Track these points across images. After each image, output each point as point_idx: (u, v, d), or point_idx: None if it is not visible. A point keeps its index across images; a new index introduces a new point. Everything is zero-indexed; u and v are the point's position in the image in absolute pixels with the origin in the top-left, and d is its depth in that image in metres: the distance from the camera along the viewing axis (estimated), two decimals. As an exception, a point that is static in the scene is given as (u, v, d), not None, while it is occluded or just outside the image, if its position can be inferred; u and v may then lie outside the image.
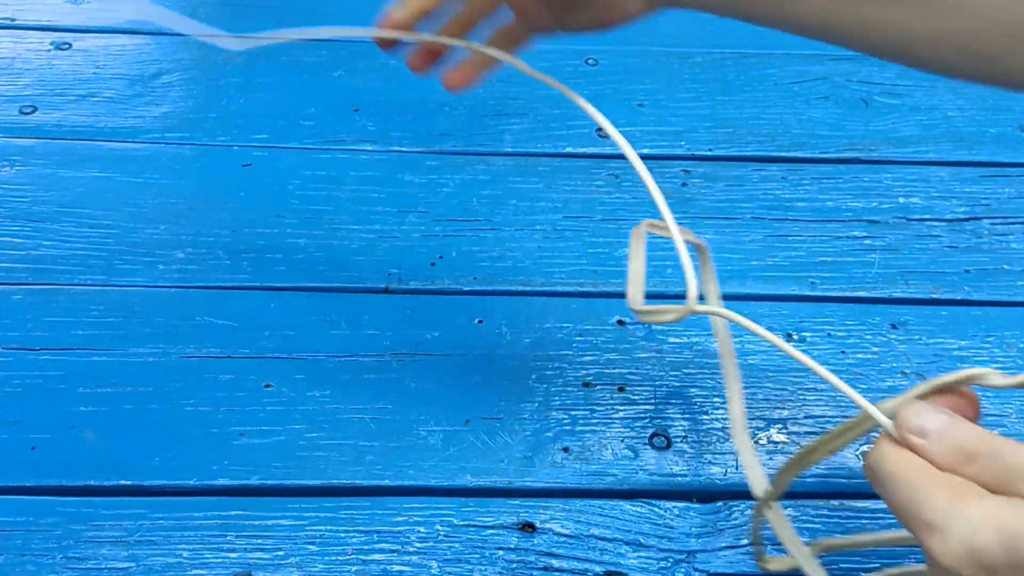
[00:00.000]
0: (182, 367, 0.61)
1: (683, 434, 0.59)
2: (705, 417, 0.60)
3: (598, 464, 0.57)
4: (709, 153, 0.80)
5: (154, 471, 0.55)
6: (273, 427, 0.58)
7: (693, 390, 0.62)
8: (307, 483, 0.55)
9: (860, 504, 0.56)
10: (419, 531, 0.53)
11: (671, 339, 0.65)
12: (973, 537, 0.30)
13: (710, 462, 0.58)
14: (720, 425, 0.60)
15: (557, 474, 0.57)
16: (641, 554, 0.53)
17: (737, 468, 0.58)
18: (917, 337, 0.66)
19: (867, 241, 0.73)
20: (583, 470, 0.57)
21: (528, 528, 0.54)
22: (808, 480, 0.57)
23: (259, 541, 0.52)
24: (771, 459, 0.58)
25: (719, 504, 0.56)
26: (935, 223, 0.75)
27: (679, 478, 0.57)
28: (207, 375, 0.61)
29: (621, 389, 0.62)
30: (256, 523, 0.53)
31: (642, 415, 0.60)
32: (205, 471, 0.56)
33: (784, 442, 0.59)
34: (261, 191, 0.74)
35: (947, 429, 0.33)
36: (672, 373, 0.63)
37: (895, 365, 0.64)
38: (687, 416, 0.60)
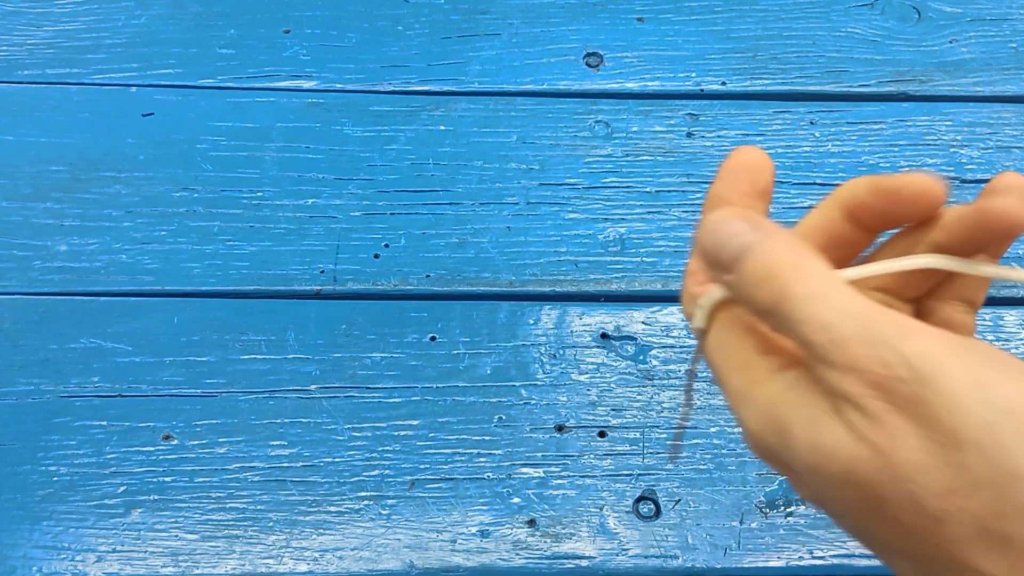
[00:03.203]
0: (60, 411, 0.50)
1: (676, 497, 0.49)
2: (704, 469, 0.49)
3: (570, 543, 0.47)
4: (722, 88, 0.65)
5: None
6: (176, 497, 0.47)
7: (691, 432, 0.51)
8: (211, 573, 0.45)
9: None
10: (348, 644, 0.44)
11: (667, 366, 0.53)
12: (759, 428, 0.24)
13: (710, 535, 0.47)
14: (727, 478, 0.49)
15: (518, 556, 0.46)
16: (618, 672, 0.44)
17: (740, 546, 0.47)
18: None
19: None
20: (551, 552, 0.47)
21: (482, 636, 0.44)
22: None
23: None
24: (782, 534, 0.48)
25: (716, 599, 0.46)
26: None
27: (669, 559, 0.47)
28: (92, 423, 0.49)
29: (602, 434, 0.50)
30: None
31: (626, 471, 0.49)
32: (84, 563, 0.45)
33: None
34: (165, 152, 0.59)
35: (746, 257, 0.24)
36: (665, 409, 0.51)
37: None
38: (682, 472, 0.49)
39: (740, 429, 0.26)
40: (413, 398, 0.51)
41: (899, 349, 0.21)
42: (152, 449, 0.49)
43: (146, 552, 0.46)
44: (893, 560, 0.23)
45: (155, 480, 0.48)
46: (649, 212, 0.59)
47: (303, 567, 0.46)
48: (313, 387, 0.51)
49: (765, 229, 0.24)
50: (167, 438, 0.49)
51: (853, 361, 0.21)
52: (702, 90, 0.65)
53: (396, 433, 0.50)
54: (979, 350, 0.21)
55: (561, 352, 0.53)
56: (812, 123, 0.63)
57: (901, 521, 0.21)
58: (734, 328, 0.26)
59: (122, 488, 0.47)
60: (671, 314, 0.54)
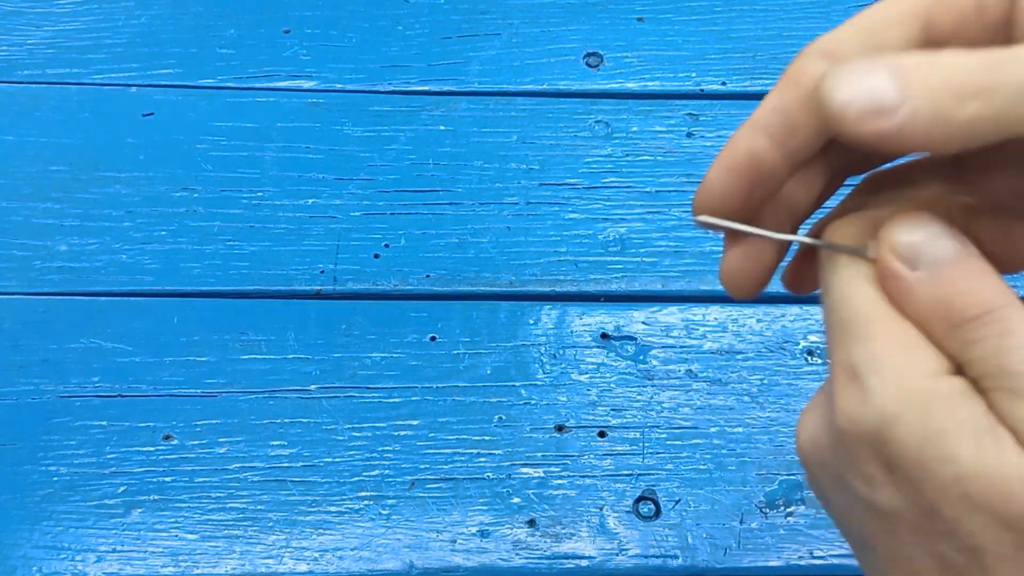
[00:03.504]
0: (61, 411, 0.50)
1: (676, 497, 0.49)
2: (704, 469, 0.49)
3: (570, 543, 0.47)
4: (722, 88, 0.65)
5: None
6: (176, 497, 0.47)
7: (691, 432, 0.51)
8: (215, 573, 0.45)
9: None
10: (348, 644, 0.44)
11: (667, 366, 0.53)
12: (899, 416, 0.21)
13: (709, 535, 0.47)
14: (727, 479, 0.49)
15: (518, 556, 0.46)
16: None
17: (740, 546, 0.47)
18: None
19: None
20: (551, 552, 0.47)
21: (482, 636, 0.44)
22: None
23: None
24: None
25: (716, 599, 0.46)
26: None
27: (669, 559, 0.47)
28: (92, 423, 0.49)
29: (602, 434, 0.50)
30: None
31: (626, 471, 0.49)
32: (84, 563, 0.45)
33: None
34: (165, 153, 0.59)
35: (949, 268, 0.21)
36: (665, 409, 0.51)
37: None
38: (682, 472, 0.49)
39: (854, 401, 0.22)
40: (413, 398, 0.51)
41: None
42: (152, 449, 0.49)
43: (146, 552, 0.46)
44: None
45: (155, 480, 0.48)
46: (649, 212, 0.59)
47: (303, 567, 0.46)
48: (313, 387, 0.51)
49: (966, 240, 0.22)
50: (167, 438, 0.49)
51: None
52: (702, 90, 0.65)
53: (396, 433, 0.50)
54: None
55: (561, 352, 0.53)
56: (812, 123, 0.63)
57: None
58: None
59: (122, 488, 0.47)
60: (671, 314, 0.54)
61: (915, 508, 0.21)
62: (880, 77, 0.21)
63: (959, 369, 0.22)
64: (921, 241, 0.22)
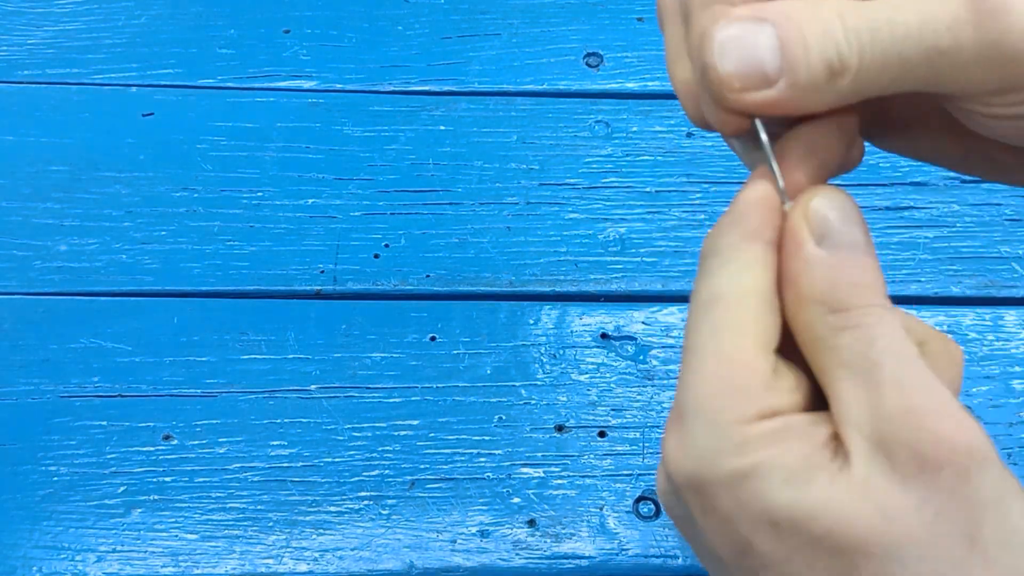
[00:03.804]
0: (61, 411, 0.50)
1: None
2: (703, 470, 0.49)
3: (570, 543, 0.47)
4: (722, 88, 0.65)
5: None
6: (176, 497, 0.47)
7: (690, 433, 0.51)
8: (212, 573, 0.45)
9: None
10: (348, 644, 0.44)
11: (667, 366, 0.53)
12: (711, 461, 0.21)
13: (707, 536, 0.47)
14: (721, 483, 0.49)
15: (518, 556, 0.46)
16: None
17: (740, 546, 0.47)
18: (975, 350, 0.54)
19: (909, 213, 0.60)
20: (551, 552, 0.47)
21: (482, 636, 0.44)
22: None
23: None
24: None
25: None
26: (994, 185, 0.61)
27: (670, 560, 0.47)
28: (92, 423, 0.49)
29: (602, 434, 0.50)
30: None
31: (626, 471, 0.49)
32: (84, 563, 0.45)
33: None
34: (165, 153, 0.59)
35: (854, 254, 0.22)
36: (665, 409, 0.51)
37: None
38: (682, 472, 0.49)
39: (674, 442, 0.23)
40: (413, 398, 0.51)
41: (972, 427, 0.20)
42: (152, 449, 0.49)
43: (146, 552, 0.46)
44: None
45: (155, 480, 0.48)
46: (649, 212, 0.59)
47: (303, 567, 0.46)
48: (313, 387, 0.51)
49: (871, 244, 0.22)
50: (167, 438, 0.49)
51: (928, 412, 0.20)
52: (702, 90, 0.65)
53: (396, 433, 0.50)
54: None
55: (561, 352, 0.53)
56: (812, 123, 0.63)
57: None
58: (756, 300, 0.23)
59: (122, 488, 0.47)
60: (671, 314, 0.54)
61: (732, 547, 0.22)
62: (762, 40, 0.22)
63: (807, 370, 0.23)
64: (835, 220, 0.22)
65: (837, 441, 0.21)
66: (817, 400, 0.23)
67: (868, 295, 0.22)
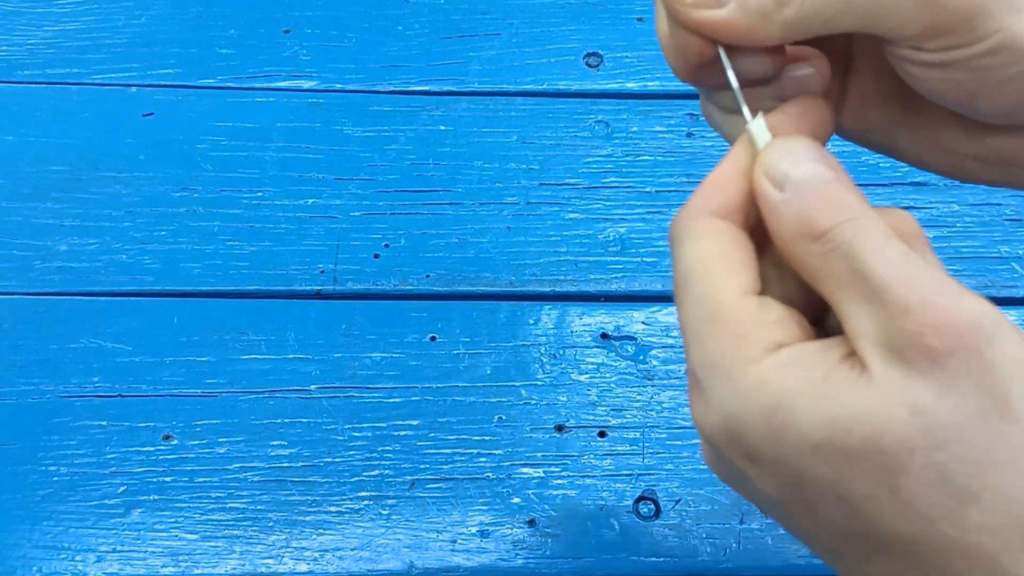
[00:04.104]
0: (61, 411, 0.50)
1: (676, 498, 0.49)
2: (704, 469, 0.49)
3: (570, 542, 0.47)
4: (722, 88, 0.65)
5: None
6: (176, 497, 0.47)
7: (691, 433, 0.51)
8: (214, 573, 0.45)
9: None
10: (348, 644, 0.44)
11: (667, 366, 0.53)
12: (737, 410, 0.22)
13: (709, 536, 0.47)
14: (721, 483, 0.49)
15: (518, 556, 0.47)
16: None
17: (740, 546, 0.47)
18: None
19: (909, 213, 0.60)
20: (551, 551, 0.47)
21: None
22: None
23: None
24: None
25: (716, 599, 0.46)
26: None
27: (669, 559, 0.47)
28: (92, 423, 0.49)
29: (602, 434, 0.50)
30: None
31: (626, 471, 0.49)
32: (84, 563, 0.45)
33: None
34: (165, 152, 0.59)
35: (813, 185, 0.23)
36: (665, 409, 0.51)
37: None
38: (682, 472, 0.49)
39: (700, 407, 0.23)
40: (413, 398, 0.51)
41: (971, 305, 0.20)
42: (152, 449, 0.49)
43: (146, 552, 0.46)
44: (869, 562, 0.22)
45: (155, 480, 0.48)
46: (649, 212, 0.59)
47: (303, 567, 0.46)
48: (313, 387, 0.51)
49: (839, 167, 0.23)
50: (167, 438, 0.49)
51: (924, 306, 0.20)
52: (702, 90, 0.65)
53: (396, 433, 0.50)
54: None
55: (561, 352, 0.53)
56: (812, 123, 0.63)
57: (913, 503, 0.20)
58: (726, 259, 0.24)
59: (122, 488, 0.47)
60: (671, 314, 0.54)
61: (787, 484, 0.22)
62: None
63: (815, 315, 0.24)
64: (787, 165, 0.23)
65: (853, 359, 0.22)
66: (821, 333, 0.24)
67: (840, 212, 0.22)
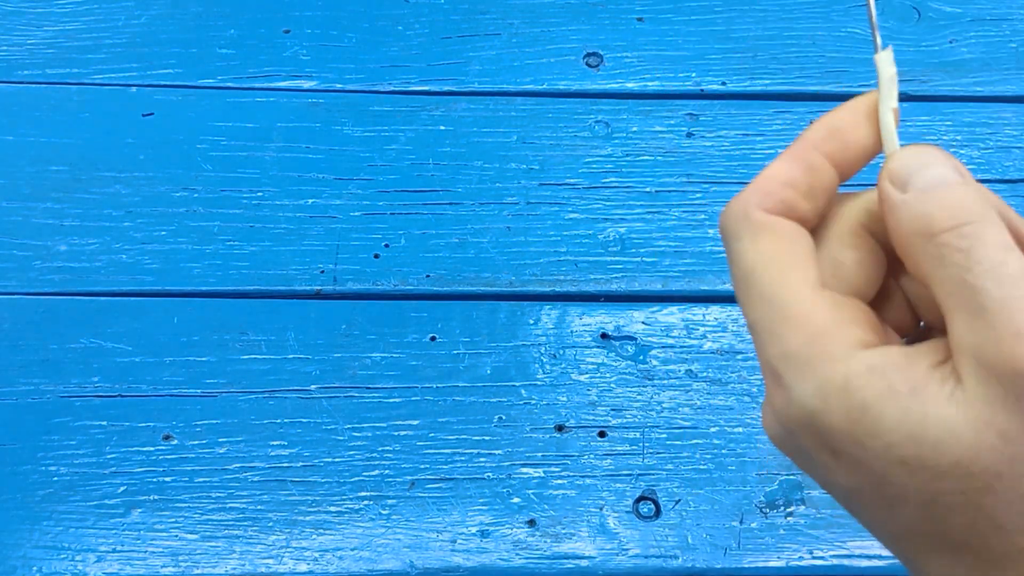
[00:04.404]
0: (61, 411, 0.50)
1: (676, 498, 0.49)
2: (704, 469, 0.49)
3: (570, 543, 0.47)
4: (722, 88, 0.65)
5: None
6: (176, 497, 0.47)
7: (691, 432, 0.51)
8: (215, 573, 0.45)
9: None
10: (348, 644, 0.44)
11: (667, 366, 0.53)
12: (822, 407, 0.22)
13: (710, 536, 0.47)
14: (726, 478, 0.49)
15: (518, 556, 0.47)
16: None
17: (740, 546, 0.47)
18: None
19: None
20: (551, 552, 0.47)
21: (482, 636, 0.44)
22: (825, 563, 0.47)
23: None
24: (782, 534, 0.48)
25: (716, 599, 0.46)
26: (994, 186, 0.61)
27: (669, 559, 0.47)
28: (92, 423, 0.49)
29: (602, 435, 0.50)
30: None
31: (626, 471, 0.49)
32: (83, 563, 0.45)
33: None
34: (165, 152, 0.59)
35: (937, 186, 0.22)
36: (665, 409, 0.51)
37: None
38: (682, 472, 0.49)
39: (781, 399, 0.23)
40: (413, 398, 0.51)
41: None
42: (152, 449, 0.49)
43: (146, 552, 0.46)
44: (940, 557, 0.22)
45: (155, 480, 0.48)
46: (649, 212, 0.59)
47: (303, 567, 0.46)
48: (313, 387, 0.51)
49: (970, 176, 0.23)
50: (167, 438, 0.49)
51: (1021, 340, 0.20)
52: (702, 90, 0.65)
53: (396, 433, 0.50)
54: None
55: (561, 352, 0.53)
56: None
57: (996, 519, 0.21)
58: (792, 255, 0.23)
59: (122, 488, 0.47)
60: (671, 314, 0.54)
61: (868, 482, 0.22)
62: None
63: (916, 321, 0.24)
64: (912, 167, 0.23)
65: (945, 368, 0.22)
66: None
67: (961, 215, 0.21)
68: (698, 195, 0.59)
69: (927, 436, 0.21)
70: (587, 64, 0.65)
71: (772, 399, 0.24)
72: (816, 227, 0.24)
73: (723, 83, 0.65)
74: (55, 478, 0.48)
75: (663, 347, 0.53)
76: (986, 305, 0.21)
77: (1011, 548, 0.21)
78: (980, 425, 0.20)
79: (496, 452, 0.49)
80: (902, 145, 0.24)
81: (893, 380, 0.21)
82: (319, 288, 0.55)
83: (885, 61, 0.25)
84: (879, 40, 0.26)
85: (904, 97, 0.65)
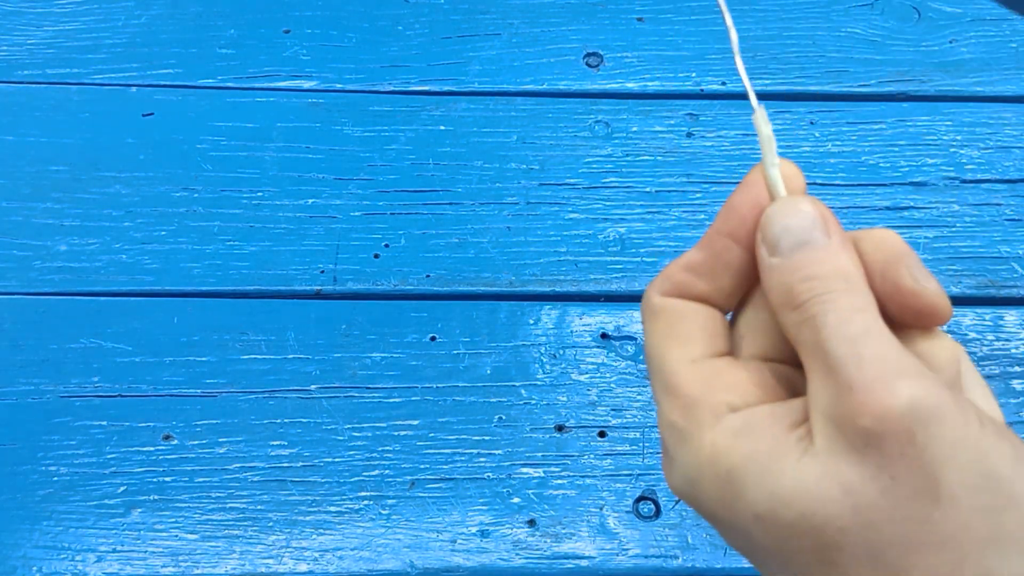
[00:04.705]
0: (60, 411, 0.50)
1: (676, 498, 0.49)
2: (703, 470, 0.49)
3: (570, 543, 0.47)
4: (722, 88, 0.65)
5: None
6: (176, 497, 0.47)
7: (690, 433, 0.50)
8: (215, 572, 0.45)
9: None
10: (348, 644, 0.44)
11: (666, 365, 0.53)
12: (696, 474, 0.23)
13: (710, 535, 0.47)
14: (721, 483, 0.49)
15: (518, 556, 0.46)
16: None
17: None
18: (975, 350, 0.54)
19: (909, 213, 0.60)
20: (551, 552, 0.47)
21: (482, 636, 0.44)
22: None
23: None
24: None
25: (716, 599, 0.46)
26: (994, 185, 0.61)
27: (669, 559, 0.47)
28: (92, 423, 0.49)
29: (602, 435, 0.50)
30: (149, 636, 0.44)
31: (626, 471, 0.49)
32: (84, 562, 0.45)
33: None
34: (165, 153, 0.59)
35: (799, 254, 0.23)
36: (665, 410, 0.51)
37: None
38: (681, 472, 0.49)
39: (667, 468, 0.25)
40: (413, 398, 0.51)
41: (908, 389, 0.21)
42: (152, 449, 0.49)
43: (146, 552, 0.46)
44: None
45: (155, 480, 0.48)
46: (649, 212, 0.59)
47: (303, 567, 0.46)
48: (313, 387, 0.51)
49: (834, 231, 0.23)
50: (167, 438, 0.49)
51: (864, 387, 0.21)
52: (702, 90, 0.65)
53: (396, 433, 0.50)
54: (975, 406, 0.21)
55: (561, 352, 0.53)
56: (812, 123, 0.63)
57: (848, 573, 0.21)
58: (677, 333, 0.25)
59: (122, 488, 0.47)
60: (671, 314, 0.54)
61: (741, 544, 0.23)
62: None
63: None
64: (779, 230, 0.23)
65: (805, 427, 0.22)
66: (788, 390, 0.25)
67: (816, 286, 0.22)
68: (698, 195, 0.59)
69: (782, 493, 0.21)
70: (587, 64, 0.65)
71: (664, 467, 0.25)
72: (748, 297, 0.25)
73: (723, 83, 0.65)
74: (55, 478, 0.48)
75: (663, 347, 0.53)
76: (831, 364, 0.22)
77: None
78: (825, 479, 0.21)
79: (496, 452, 0.49)
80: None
81: (756, 441, 0.22)
82: (319, 288, 0.54)
83: (761, 120, 0.25)
84: (754, 99, 0.26)
85: (904, 97, 0.65)
